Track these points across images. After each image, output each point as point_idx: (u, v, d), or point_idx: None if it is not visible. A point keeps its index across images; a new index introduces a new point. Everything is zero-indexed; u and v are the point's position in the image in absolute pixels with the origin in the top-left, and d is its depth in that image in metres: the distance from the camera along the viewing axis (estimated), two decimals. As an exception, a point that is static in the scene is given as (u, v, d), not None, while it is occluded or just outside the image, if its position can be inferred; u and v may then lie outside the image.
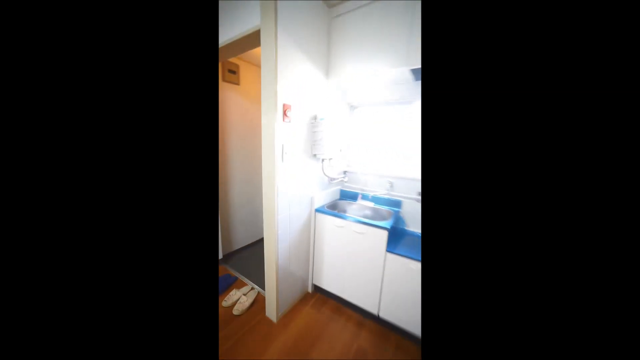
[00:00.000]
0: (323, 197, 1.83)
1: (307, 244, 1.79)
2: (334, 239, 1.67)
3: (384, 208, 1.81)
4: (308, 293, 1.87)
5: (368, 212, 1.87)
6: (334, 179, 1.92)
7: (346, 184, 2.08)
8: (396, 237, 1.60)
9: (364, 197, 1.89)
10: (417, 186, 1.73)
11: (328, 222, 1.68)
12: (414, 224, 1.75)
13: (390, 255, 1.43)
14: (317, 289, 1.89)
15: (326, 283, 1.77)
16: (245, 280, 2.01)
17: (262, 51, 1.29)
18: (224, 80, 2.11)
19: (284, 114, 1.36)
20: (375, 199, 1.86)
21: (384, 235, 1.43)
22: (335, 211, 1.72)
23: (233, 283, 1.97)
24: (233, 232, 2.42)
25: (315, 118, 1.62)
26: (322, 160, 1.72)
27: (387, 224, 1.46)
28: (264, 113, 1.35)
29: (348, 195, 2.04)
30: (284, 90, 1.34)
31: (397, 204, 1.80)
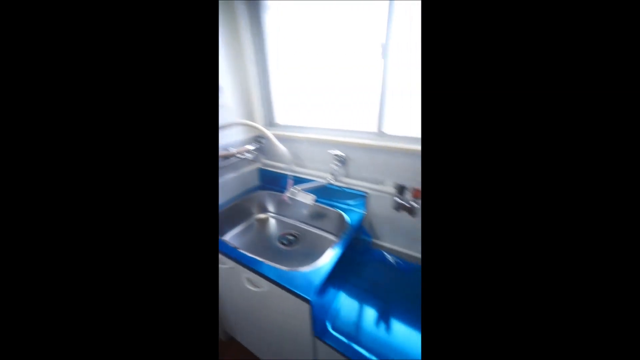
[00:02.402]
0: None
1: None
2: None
3: (335, 209, 0.93)
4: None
5: (304, 214, 0.99)
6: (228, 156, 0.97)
7: (265, 162, 1.13)
8: (354, 270, 0.76)
9: (298, 183, 0.98)
10: (397, 165, 0.82)
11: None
12: (388, 236, 0.92)
13: (322, 346, 0.61)
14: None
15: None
16: None
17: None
18: None
19: None
20: (317, 192, 0.96)
21: (303, 309, 0.58)
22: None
23: None
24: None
25: None
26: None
27: (309, 292, 0.59)
28: None
29: (273, 180, 1.12)
30: None
31: (355, 198, 0.92)
